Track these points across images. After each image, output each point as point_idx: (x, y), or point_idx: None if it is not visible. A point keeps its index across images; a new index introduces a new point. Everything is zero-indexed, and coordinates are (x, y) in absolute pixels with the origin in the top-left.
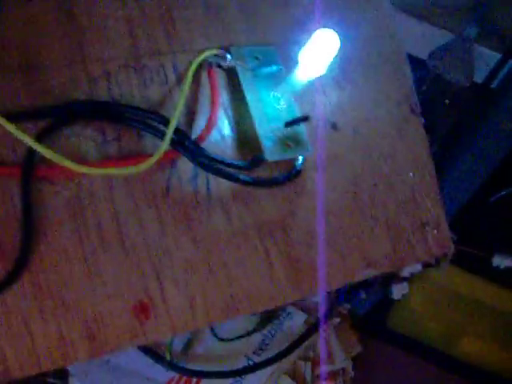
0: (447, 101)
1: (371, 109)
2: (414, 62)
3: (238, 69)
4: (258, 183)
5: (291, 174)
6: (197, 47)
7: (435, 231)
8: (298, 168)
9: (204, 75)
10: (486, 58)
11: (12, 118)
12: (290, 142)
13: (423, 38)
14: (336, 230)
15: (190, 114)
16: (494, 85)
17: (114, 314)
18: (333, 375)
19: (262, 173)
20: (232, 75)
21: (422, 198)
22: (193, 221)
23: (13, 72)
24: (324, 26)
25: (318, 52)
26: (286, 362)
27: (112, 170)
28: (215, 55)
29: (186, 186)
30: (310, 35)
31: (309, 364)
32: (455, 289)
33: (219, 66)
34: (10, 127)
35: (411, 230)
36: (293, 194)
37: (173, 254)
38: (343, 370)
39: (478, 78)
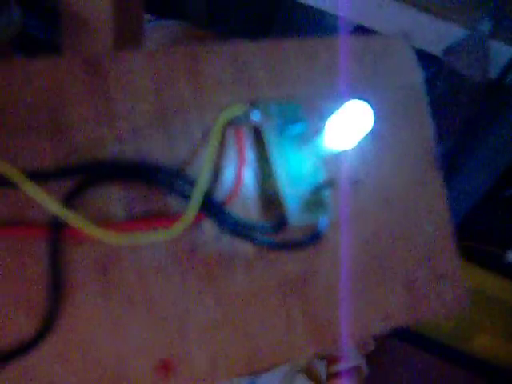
0: (462, 97)
1: (394, 163)
2: (428, 58)
3: (264, 127)
4: (281, 247)
5: (314, 237)
6: (223, 103)
7: (452, 285)
8: (321, 232)
9: (230, 132)
10: (501, 52)
11: (39, 178)
12: (314, 205)
13: (437, 34)
14: (355, 284)
15: (216, 174)
16: (508, 79)
17: (137, 371)
18: (347, 373)
19: (284, 234)
20: (258, 132)
21: (439, 251)
22: (216, 280)
23: (39, 131)
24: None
25: (348, 126)
26: (300, 361)
27: (140, 239)
28: (242, 112)
29: (210, 246)
30: (335, 89)
31: (323, 362)
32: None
33: (245, 123)
34: (37, 194)
35: (428, 283)
36: (314, 252)
37: (196, 312)
38: (357, 367)
39: (493, 72)
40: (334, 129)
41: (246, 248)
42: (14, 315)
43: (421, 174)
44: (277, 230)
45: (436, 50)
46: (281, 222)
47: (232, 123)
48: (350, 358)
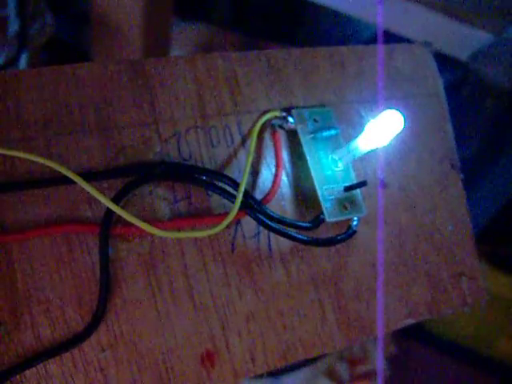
0: (487, 102)
1: (416, 165)
2: (455, 63)
3: (299, 131)
4: (317, 243)
5: (348, 234)
6: (260, 108)
7: (471, 281)
8: (354, 229)
9: (267, 136)
10: None
11: (88, 177)
12: (347, 203)
13: (464, 40)
14: (382, 281)
15: (254, 174)
16: None
17: (183, 362)
18: (368, 375)
19: (318, 231)
20: (292, 136)
21: (460, 250)
22: (255, 275)
23: (88, 132)
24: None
25: (383, 131)
26: (322, 363)
27: (183, 235)
28: (278, 117)
29: (249, 243)
30: (363, 95)
31: (345, 364)
32: (491, 289)
33: (281, 127)
34: (89, 188)
35: (449, 280)
36: (345, 248)
37: (236, 305)
38: (379, 370)
39: None
40: (366, 134)
41: (282, 245)
42: (66, 308)
43: (442, 177)
44: (315, 227)
45: (462, 55)
46: (318, 219)
47: (268, 127)
48: (372, 361)
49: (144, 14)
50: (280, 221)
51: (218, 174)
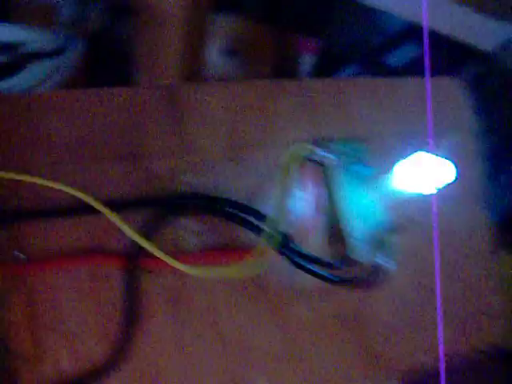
0: None
1: (443, 203)
2: (480, 55)
3: (329, 165)
4: (345, 283)
5: (376, 277)
6: (290, 139)
7: (493, 321)
8: (381, 273)
9: (297, 168)
10: None
11: (115, 207)
12: (377, 245)
13: (489, 32)
14: (407, 322)
15: (284, 208)
16: None
17: None
18: None
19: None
20: (322, 170)
21: (482, 289)
22: (282, 313)
23: (117, 160)
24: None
25: (419, 174)
26: None
27: (209, 273)
28: (309, 149)
29: (279, 281)
30: (397, 129)
31: None
32: None
33: (311, 160)
34: (116, 219)
35: (471, 318)
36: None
37: (262, 344)
38: None
39: None
40: (401, 174)
41: (309, 283)
42: (88, 341)
43: (469, 216)
44: (344, 267)
45: (487, 47)
46: (348, 259)
47: (299, 160)
48: None
49: (186, 5)
50: (308, 258)
51: (249, 209)
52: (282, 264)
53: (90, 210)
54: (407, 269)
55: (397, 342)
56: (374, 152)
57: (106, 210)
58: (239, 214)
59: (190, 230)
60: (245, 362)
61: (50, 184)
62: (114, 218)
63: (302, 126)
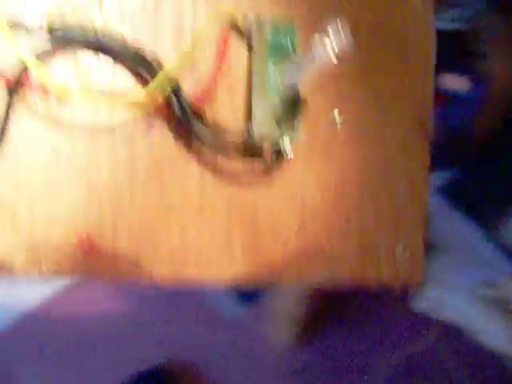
0: None
1: (379, 110)
2: None
3: (254, 35)
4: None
5: (277, 155)
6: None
7: (410, 255)
8: (285, 152)
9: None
10: None
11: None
12: (284, 123)
13: None
14: (306, 226)
15: (193, 72)
16: None
17: (60, 240)
18: None
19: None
20: (246, 39)
21: (406, 217)
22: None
23: None
24: None
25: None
26: None
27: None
28: (235, 16)
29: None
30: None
31: None
32: None
33: (236, 28)
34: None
35: (386, 247)
36: (271, 181)
37: (137, 195)
38: None
39: None
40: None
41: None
42: None
43: (406, 134)
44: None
45: None
46: (248, 132)
47: (223, 24)
48: None
49: None
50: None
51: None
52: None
53: None
54: (316, 165)
55: (290, 244)
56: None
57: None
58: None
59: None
60: (111, 211)
61: None
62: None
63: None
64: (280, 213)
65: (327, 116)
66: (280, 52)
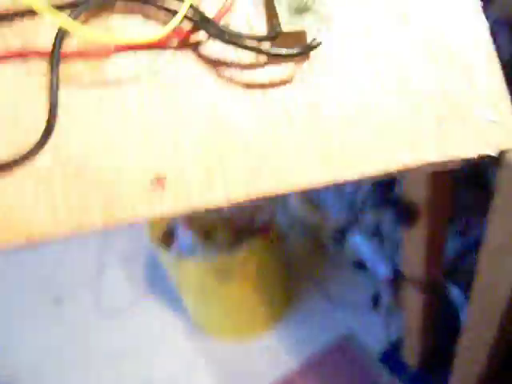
0: None
1: None
2: None
3: None
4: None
5: (309, 46)
6: None
7: (500, 122)
8: (316, 41)
9: None
10: None
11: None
12: (310, 11)
13: None
14: (368, 106)
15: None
16: None
17: (132, 186)
18: None
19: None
20: None
21: (484, 71)
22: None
23: None
24: None
25: None
26: None
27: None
28: None
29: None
30: None
31: None
32: None
33: None
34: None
35: (466, 112)
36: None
37: (192, 123)
38: None
39: None
40: None
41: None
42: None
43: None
44: (271, 37)
45: None
46: (272, 30)
47: None
48: None
49: None
50: (234, 34)
51: None
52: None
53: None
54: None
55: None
56: None
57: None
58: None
59: (118, 24)
60: (171, 146)
61: None
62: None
63: None
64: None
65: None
66: None
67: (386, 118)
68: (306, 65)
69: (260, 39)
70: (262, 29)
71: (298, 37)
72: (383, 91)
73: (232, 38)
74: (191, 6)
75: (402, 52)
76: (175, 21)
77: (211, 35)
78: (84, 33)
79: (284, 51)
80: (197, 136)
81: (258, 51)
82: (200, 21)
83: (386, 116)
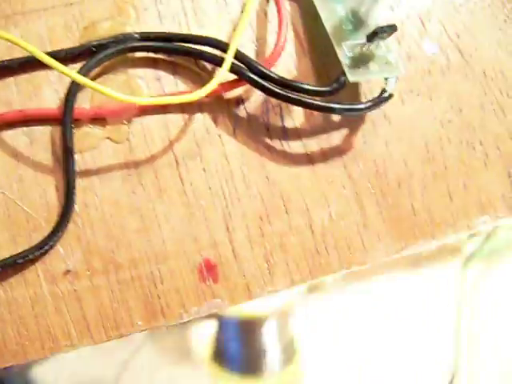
0: None
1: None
2: None
3: None
4: (343, 110)
5: (380, 98)
6: None
7: None
8: (387, 92)
9: None
10: None
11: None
12: (376, 59)
13: None
14: (441, 168)
15: (256, 41)
16: None
17: (175, 275)
18: None
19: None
20: None
21: None
22: (266, 161)
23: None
24: None
25: None
26: None
27: (164, 100)
28: None
29: (257, 123)
30: None
31: None
32: None
33: None
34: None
35: None
36: (383, 126)
37: (243, 199)
38: None
39: None
40: None
41: (297, 121)
42: (28, 211)
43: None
44: (336, 90)
45: None
46: (340, 80)
47: None
48: None
49: None
50: (287, 84)
51: (206, 38)
52: (260, 104)
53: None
54: (424, 98)
55: (425, 193)
56: None
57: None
58: (198, 48)
59: (140, 76)
60: (222, 225)
61: None
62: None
63: None
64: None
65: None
66: None
67: None
68: (369, 124)
69: (324, 92)
70: (308, 77)
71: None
72: None
73: (287, 90)
74: (237, 55)
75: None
76: (221, 75)
77: (259, 87)
78: (103, 92)
79: (357, 106)
80: (250, 216)
81: (326, 109)
82: (247, 70)
83: None
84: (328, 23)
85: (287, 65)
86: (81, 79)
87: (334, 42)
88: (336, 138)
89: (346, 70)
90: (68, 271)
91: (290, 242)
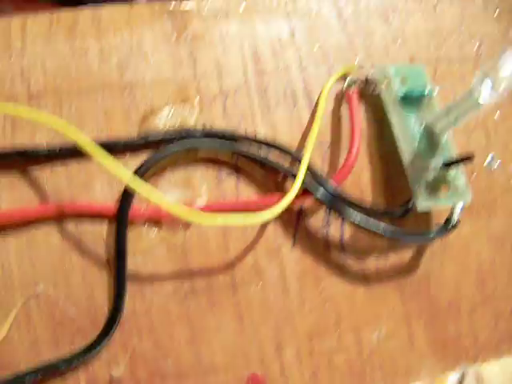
0: None
1: None
2: None
3: (383, 92)
4: (406, 239)
5: (446, 227)
6: (331, 62)
7: None
8: (454, 221)
9: (339, 97)
10: None
11: (108, 149)
12: (446, 185)
13: None
14: (491, 291)
15: (322, 146)
16: None
17: None
18: None
19: (402, 223)
20: (373, 101)
21: None
22: (322, 277)
23: (108, 90)
24: None
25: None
26: None
27: (229, 220)
28: (354, 74)
29: (315, 236)
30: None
31: None
32: None
33: (359, 86)
34: (109, 161)
35: None
36: (439, 247)
37: (295, 317)
38: None
39: None
40: (474, 89)
41: (357, 238)
42: (74, 315)
43: None
44: (404, 215)
45: None
46: (409, 206)
47: (342, 86)
48: None
49: None
50: (357, 205)
51: (275, 147)
52: (321, 217)
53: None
54: (484, 222)
55: (474, 319)
56: (436, 77)
57: (98, 151)
58: (264, 154)
59: (200, 176)
60: (272, 342)
61: (29, 115)
62: (107, 159)
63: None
64: (455, 282)
65: (482, 163)
66: (417, 99)
67: None
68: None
69: (391, 215)
70: (371, 198)
71: (426, 215)
72: None
73: (353, 213)
74: (308, 167)
75: None
76: (292, 194)
77: (329, 206)
78: (163, 205)
79: (426, 236)
80: (301, 332)
81: (394, 237)
82: (318, 186)
83: None
84: (401, 139)
85: (355, 178)
86: (137, 186)
87: (405, 162)
88: (392, 257)
89: (415, 198)
90: (112, 380)
91: (337, 360)
